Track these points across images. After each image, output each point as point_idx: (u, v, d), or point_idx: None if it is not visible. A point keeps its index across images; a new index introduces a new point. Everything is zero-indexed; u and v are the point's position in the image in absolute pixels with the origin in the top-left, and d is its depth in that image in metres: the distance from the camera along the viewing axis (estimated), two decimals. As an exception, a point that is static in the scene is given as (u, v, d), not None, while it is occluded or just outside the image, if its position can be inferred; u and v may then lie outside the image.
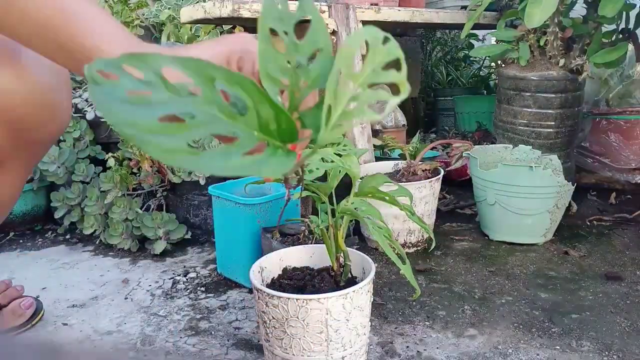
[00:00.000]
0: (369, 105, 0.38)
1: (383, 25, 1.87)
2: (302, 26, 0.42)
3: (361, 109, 0.38)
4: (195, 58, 0.36)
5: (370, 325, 0.78)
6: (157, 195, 1.35)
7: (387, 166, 1.34)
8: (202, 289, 1.09)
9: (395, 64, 0.39)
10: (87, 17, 0.47)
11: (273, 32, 0.42)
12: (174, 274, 1.17)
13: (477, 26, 1.76)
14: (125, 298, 1.07)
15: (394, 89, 0.40)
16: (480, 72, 2.55)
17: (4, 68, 0.55)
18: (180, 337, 0.91)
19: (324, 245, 0.74)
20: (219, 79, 0.37)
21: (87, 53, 0.46)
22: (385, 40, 0.38)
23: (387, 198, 0.71)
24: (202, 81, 0.36)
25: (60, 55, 0.47)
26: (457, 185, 1.66)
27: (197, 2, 1.34)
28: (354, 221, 1.25)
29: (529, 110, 1.42)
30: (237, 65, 0.47)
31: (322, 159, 0.71)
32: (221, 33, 1.65)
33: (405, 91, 0.35)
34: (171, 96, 0.35)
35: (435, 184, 1.23)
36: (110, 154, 1.34)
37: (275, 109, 0.39)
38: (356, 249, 0.86)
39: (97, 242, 1.37)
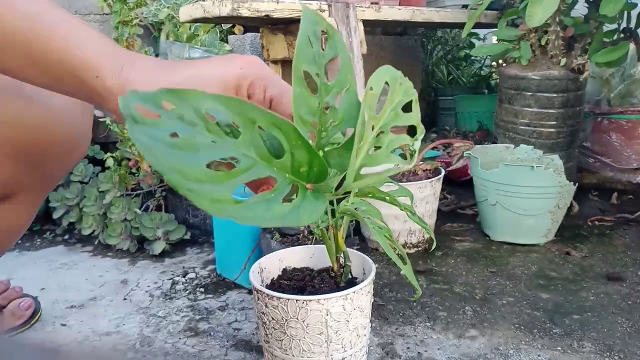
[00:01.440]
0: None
1: (384, 24, 1.86)
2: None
3: (386, 154, 0.42)
4: (237, 98, 0.35)
5: (371, 326, 0.77)
6: (156, 196, 1.34)
7: (388, 166, 1.33)
8: (202, 289, 1.09)
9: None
10: (65, 26, 0.41)
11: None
12: (173, 274, 1.16)
13: (478, 25, 1.75)
14: (124, 299, 1.06)
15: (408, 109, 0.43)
16: (482, 72, 2.55)
17: (34, 105, 0.53)
18: (180, 338, 0.90)
19: (324, 245, 0.73)
20: (259, 122, 0.36)
21: (69, 66, 0.41)
22: (402, 79, 0.40)
23: (387, 198, 0.71)
24: (244, 123, 0.35)
25: (35, 72, 0.42)
26: (458, 185, 1.66)
27: (196, 1, 1.33)
28: (354, 221, 1.24)
29: (530, 109, 1.41)
30: (248, 92, 0.44)
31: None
32: (220, 32, 1.65)
33: (421, 134, 0.39)
34: (214, 139, 0.34)
35: (436, 184, 1.22)
36: (109, 154, 1.33)
37: (311, 152, 0.40)
38: (356, 249, 0.85)
39: (95, 243, 1.36)
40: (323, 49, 0.43)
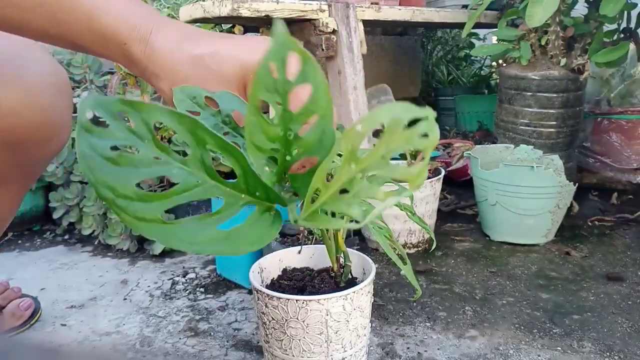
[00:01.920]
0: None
1: (384, 24, 1.87)
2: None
3: (349, 202, 0.36)
4: (190, 117, 0.34)
5: (371, 327, 0.77)
6: (157, 195, 1.34)
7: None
8: (202, 289, 1.09)
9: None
10: None
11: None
12: (173, 274, 1.16)
13: (478, 25, 1.75)
14: (124, 299, 1.06)
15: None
16: (482, 72, 2.55)
17: (11, 89, 0.53)
18: (180, 338, 0.90)
19: (324, 245, 0.73)
20: (210, 144, 0.35)
21: (96, 34, 0.41)
22: (412, 122, 0.31)
23: (387, 198, 0.71)
24: (195, 142, 0.35)
25: (61, 38, 0.42)
26: (458, 186, 1.66)
27: (196, 1, 1.33)
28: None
29: (530, 109, 1.41)
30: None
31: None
32: (220, 32, 1.65)
33: (415, 189, 0.31)
34: (158, 155, 0.33)
35: (436, 184, 1.22)
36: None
37: (262, 184, 0.38)
38: (356, 249, 0.85)
39: (95, 243, 1.36)
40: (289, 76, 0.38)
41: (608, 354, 0.81)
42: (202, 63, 0.43)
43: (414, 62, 2.27)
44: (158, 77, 0.43)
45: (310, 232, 0.94)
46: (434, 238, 0.79)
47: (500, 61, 1.55)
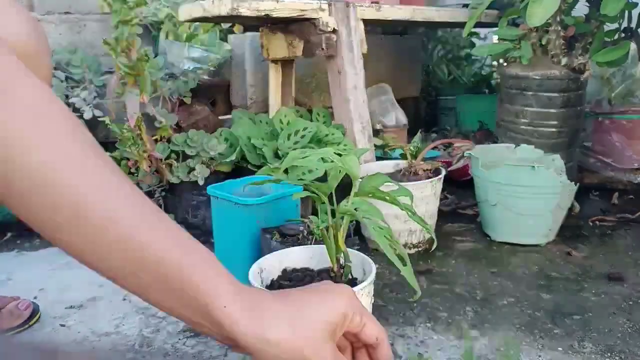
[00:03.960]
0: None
1: (384, 23, 1.86)
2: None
3: None
4: None
5: (371, 327, 0.77)
6: (156, 196, 1.34)
7: (388, 166, 1.33)
8: (201, 289, 1.08)
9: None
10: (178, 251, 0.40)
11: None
12: (172, 274, 1.16)
13: (478, 24, 1.75)
14: (124, 299, 1.06)
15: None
16: (482, 71, 2.54)
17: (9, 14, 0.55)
18: (179, 339, 0.90)
19: (324, 246, 0.73)
20: None
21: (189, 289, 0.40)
22: None
23: (387, 198, 0.70)
24: None
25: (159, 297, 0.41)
26: (459, 186, 1.65)
27: (196, 0, 1.33)
28: (354, 221, 1.23)
29: (531, 109, 1.41)
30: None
31: (322, 158, 0.70)
32: (220, 31, 1.65)
33: None
34: None
35: (437, 184, 1.22)
36: (107, 154, 1.33)
37: None
38: (357, 249, 0.85)
39: (95, 243, 1.36)
40: None
41: (609, 354, 0.81)
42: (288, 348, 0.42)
43: (414, 61, 2.27)
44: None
45: (311, 232, 0.94)
46: (434, 238, 0.78)
47: (501, 60, 1.54)
